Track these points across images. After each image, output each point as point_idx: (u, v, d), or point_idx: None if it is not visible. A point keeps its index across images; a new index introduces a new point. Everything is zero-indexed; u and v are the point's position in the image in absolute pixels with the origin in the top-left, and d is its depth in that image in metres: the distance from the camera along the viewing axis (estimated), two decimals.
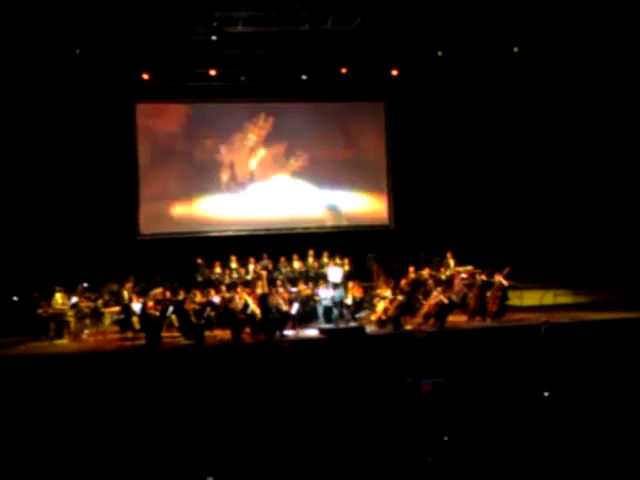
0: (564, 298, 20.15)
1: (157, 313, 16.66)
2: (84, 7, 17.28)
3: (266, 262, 19.59)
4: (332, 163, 23.25)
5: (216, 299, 17.27)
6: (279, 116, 22.95)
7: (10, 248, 19.70)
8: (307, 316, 18.23)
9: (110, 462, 9.46)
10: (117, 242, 21.03)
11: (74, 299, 17.41)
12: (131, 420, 11.19)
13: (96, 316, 18.09)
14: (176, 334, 17.04)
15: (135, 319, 16.78)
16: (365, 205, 23.47)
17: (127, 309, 17.13)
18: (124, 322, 17.29)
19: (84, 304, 17.65)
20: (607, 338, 15.18)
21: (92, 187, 21.04)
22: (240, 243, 21.36)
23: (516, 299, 19.32)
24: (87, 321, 17.86)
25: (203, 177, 22.59)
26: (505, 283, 17.80)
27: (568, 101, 22.12)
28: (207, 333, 16.80)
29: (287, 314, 17.26)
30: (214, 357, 15.37)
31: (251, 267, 19.45)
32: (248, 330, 17.01)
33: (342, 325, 17.74)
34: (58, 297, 17.29)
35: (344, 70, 21.04)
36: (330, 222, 23.26)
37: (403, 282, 18.11)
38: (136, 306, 16.81)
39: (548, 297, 20.02)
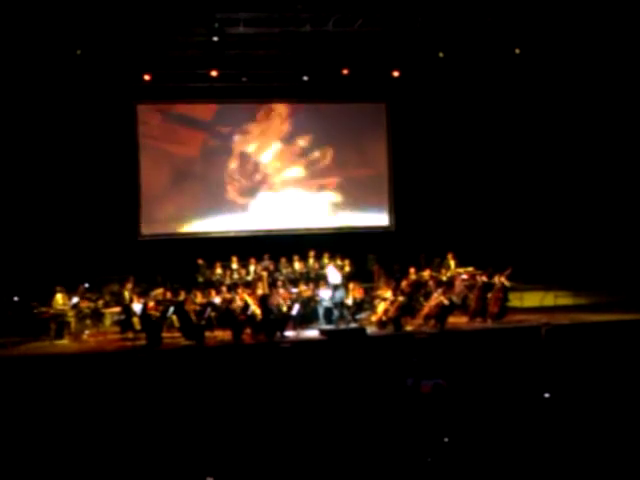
0: (564, 299, 20.13)
1: (158, 314, 16.67)
2: (85, 8, 17.29)
3: (267, 263, 19.59)
4: (333, 163, 23.26)
5: (217, 300, 17.28)
6: (281, 117, 22.97)
7: (11, 248, 19.71)
8: (308, 317, 18.24)
9: (111, 462, 9.46)
10: (118, 243, 21.02)
11: (75, 299, 17.42)
12: (131, 420, 11.19)
13: (97, 316, 18.09)
14: (177, 335, 17.03)
15: (136, 320, 16.78)
16: (366, 206, 23.46)
17: (128, 310, 17.13)
18: (125, 322, 17.29)
19: (85, 304, 17.66)
20: (607, 340, 15.17)
21: (93, 187, 21.05)
22: (241, 244, 21.36)
23: (517, 300, 19.33)
24: (88, 321, 17.87)
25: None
26: (507, 284, 17.80)
27: (569, 103, 22.12)
28: (208, 334, 16.81)
29: (288, 315, 17.27)
30: (215, 358, 15.38)
31: (252, 268, 19.47)
32: (249, 331, 17.02)
33: (343, 326, 17.74)
34: (59, 297, 17.29)
35: (345, 71, 21.02)
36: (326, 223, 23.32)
37: (404, 283, 18.11)
38: (137, 307, 16.82)
39: (549, 298, 20.00)
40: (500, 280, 17.82)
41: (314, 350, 15.80)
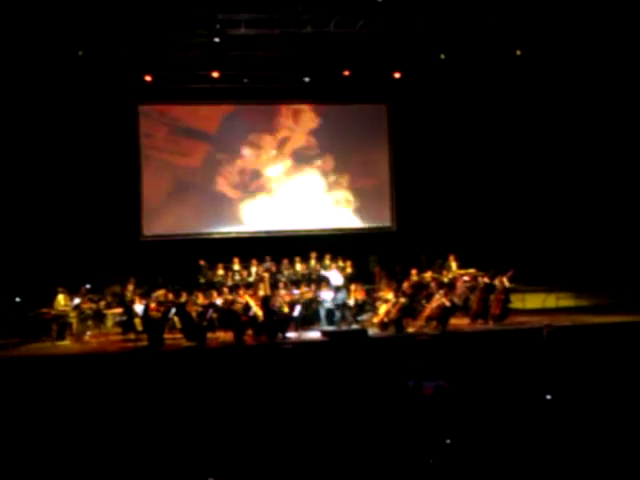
0: (566, 301, 20.16)
1: (159, 315, 16.65)
2: (87, 9, 17.31)
3: (269, 264, 19.59)
4: (334, 164, 23.27)
5: (218, 301, 17.26)
6: (283, 118, 23.01)
7: (13, 249, 19.73)
8: (309, 318, 18.24)
9: (112, 463, 9.46)
10: (120, 244, 21.05)
11: (76, 300, 17.43)
12: (133, 421, 11.20)
13: (98, 317, 18.09)
14: (178, 336, 17.03)
15: (137, 321, 16.77)
16: (367, 207, 23.47)
17: (129, 311, 17.12)
18: (126, 324, 17.28)
19: (86, 305, 17.65)
20: (609, 341, 15.16)
21: (95, 189, 21.07)
22: (243, 245, 21.38)
23: (518, 302, 19.34)
24: (89, 322, 17.85)
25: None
26: (508, 285, 17.80)
27: (570, 104, 22.14)
28: (209, 335, 16.80)
29: (289, 316, 17.27)
30: (216, 359, 15.37)
31: (253, 269, 19.46)
32: (250, 332, 17.01)
33: (344, 327, 17.75)
34: (60, 298, 17.30)
35: (347, 73, 21.03)
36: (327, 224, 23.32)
37: (405, 285, 18.11)
38: (138, 308, 16.82)
39: (550, 300, 20.03)
40: (502, 282, 17.81)
41: (316, 351, 15.79)
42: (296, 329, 17.49)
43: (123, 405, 12.08)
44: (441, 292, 17.59)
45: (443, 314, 17.31)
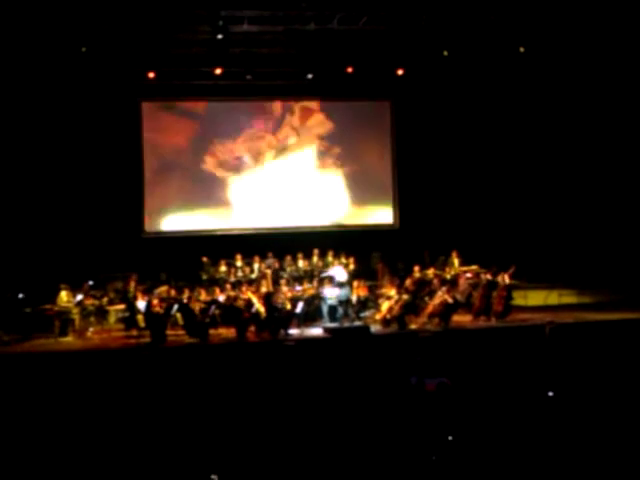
0: (569, 298, 20.16)
1: (162, 311, 16.66)
2: (90, 5, 17.31)
3: (271, 261, 19.61)
4: (337, 160, 23.27)
5: (221, 297, 17.30)
6: (284, 114, 23.01)
7: (16, 246, 19.73)
8: (312, 315, 18.25)
9: (114, 459, 9.48)
10: (122, 240, 21.04)
11: (79, 297, 17.45)
12: (135, 418, 11.21)
13: (101, 314, 18.12)
14: (181, 332, 17.04)
15: (140, 317, 16.79)
16: (370, 204, 23.46)
17: (132, 307, 17.15)
18: (129, 320, 17.31)
19: (89, 302, 17.68)
20: (612, 338, 15.17)
21: (97, 185, 21.07)
22: (245, 242, 21.36)
23: (521, 299, 19.32)
24: (92, 319, 17.89)
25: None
26: (511, 282, 17.79)
27: (573, 101, 22.10)
28: (212, 331, 16.82)
29: (292, 313, 17.28)
30: (219, 355, 15.38)
31: (256, 266, 19.47)
32: (253, 329, 17.02)
33: (347, 324, 17.75)
34: (63, 295, 17.32)
35: (350, 69, 21.02)
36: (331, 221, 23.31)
37: (408, 281, 18.11)
38: (141, 304, 16.85)
39: (553, 297, 20.03)
40: (504, 278, 17.81)
41: (318, 348, 15.80)
42: (298, 326, 17.51)
43: (126, 401, 12.10)
44: (443, 289, 17.59)
45: (445, 311, 17.31)
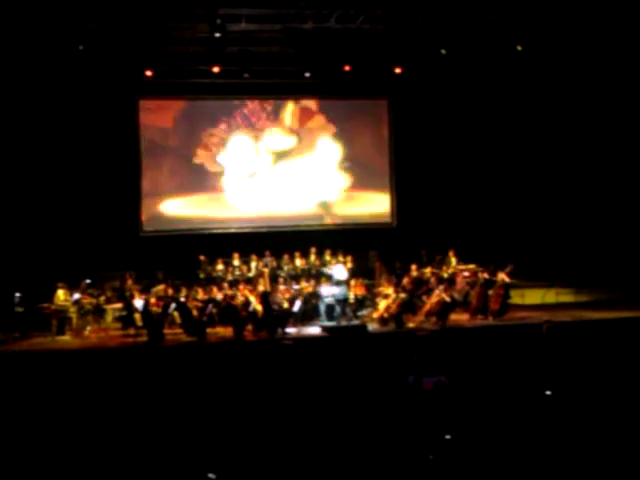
0: (566, 297, 20.17)
1: (159, 310, 16.68)
2: (87, 3, 17.30)
3: (268, 259, 19.62)
4: (334, 158, 23.25)
5: (218, 296, 17.30)
6: (283, 111, 22.99)
7: (13, 245, 19.72)
8: (309, 314, 18.26)
9: (112, 458, 9.46)
10: (120, 239, 21.04)
11: (76, 295, 17.45)
12: (133, 417, 11.20)
13: (98, 313, 18.12)
14: (178, 331, 17.06)
15: (137, 316, 16.80)
16: (368, 202, 23.47)
17: (129, 306, 17.15)
18: (126, 319, 17.32)
19: (86, 300, 17.68)
20: (609, 337, 15.17)
21: (95, 184, 21.07)
22: (242, 240, 21.37)
23: (518, 297, 19.34)
24: (89, 318, 17.90)
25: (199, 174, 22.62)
26: (508, 281, 17.81)
27: (570, 100, 22.13)
28: (209, 330, 16.84)
29: (289, 311, 17.29)
30: (216, 354, 15.38)
31: (253, 264, 19.50)
32: (250, 327, 17.03)
33: (344, 323, 17.76)
34: (60, 293, 17.32)
35: (348, 68, 21.00)
36: (327, 219, 23.25)
37: (405, 280, 18.13)
38: (138, 303, 16.84)
39: (550, 296, 20.04)
40: (501, 277, 17.83)
41: (315, 347, 15.79)
42: (296, 324, 17.50)
43: (123, 400, 12.08)
44: (441, 287, 17.61)
45: (443, 309, 17.32)
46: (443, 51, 20.25)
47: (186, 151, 22.48)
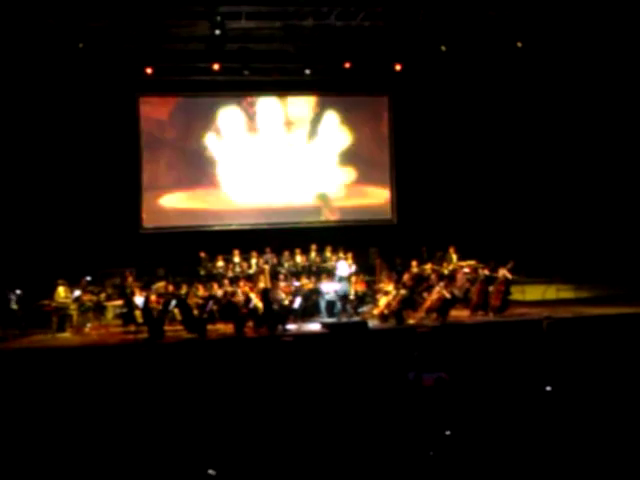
0: (566, 293, 20.18)
1: (160, 307, 16.68)
2: (87, 1, 17.30)
3: (269, 256, 19.62)
4: (335, 155, 23.26)
5: (219, 293, 17.30)
6: (282, 107, 23.00)
7: (14, 242, 19.72)
8: (309, 310, 18.26)
9: (112, 455, 9.47)
10: (120, 236, 21.05)
11: (77, 292, 17.45)
12: (133, 413, 11.21)
13: (99, 309, 18.11)
14: (179, 328, 17.07)
15: (138, 313, 16.79)
16: (368, 199, 23.47)
17: (130, 303, 17.15)
18: (127, 316, 17.31)
19: (87, 297, 17.67)
20: (609, 333, 15.17)
21: (95, 181, 21.07)
22: (243, 237, 21.38)
23: (518, 294, 19.36)
24: (90, 315, 17.88)
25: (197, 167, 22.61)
26: (509, 277, 17.81)
27: (570, 96, 22.11)
28: (209, 327, 16.84)
29: (290, 308, 17.29)
30: (216, 351, 15.39)
31: (254, 261, 19.49)
32: (250, 324, 17.04)
33: (344, 319, 17.76)
34: (61, 290, 17.32)
35: (348, 65, 20.99)
36: (325, 213, 23.25)
37: (406, 276, 18.14)
38: (139, 300, 16.84)
39: (550, 292, 20.05)
40: (502, 273, 17.82)
41: (316, 343, 15.80)
42: (296, 321, 17.51)
43: (123, 397, 12.09)
44: (441, 284, 17.62)
45: (443, 306, 17.33)
46: (443, 48, 20.24)
47: (183, 143, 22.47)
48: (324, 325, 17.21)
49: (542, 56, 21.10)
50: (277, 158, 22.85)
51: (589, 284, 20.57)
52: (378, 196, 23.54)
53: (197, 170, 22.54)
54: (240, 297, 17.01)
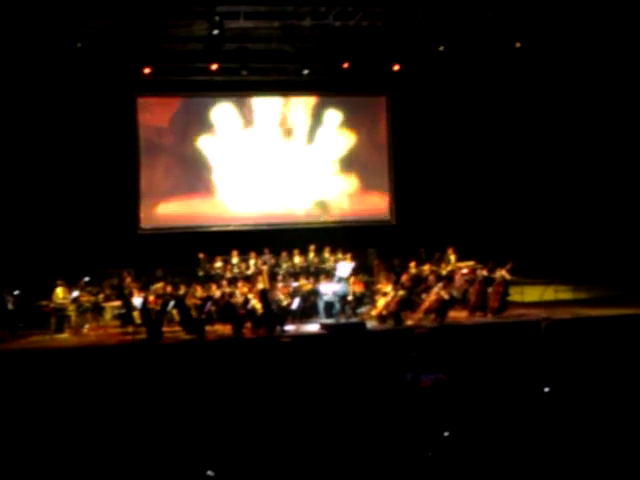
0: (565, 294, 20.16)
1: (158, 308, 16.67)
2: (85, 1, 17.29)
3: (267, 257, 19.61)
4: (333, 155, 23.25)
5: (217, 294, 17.29)
6: (280, 108, 22.98)
7: (12, 242, 19.70)
8: (308, 311, 18.24)
9: (111, 456, 9.47)
10: (118, 236, 21.05)
11: (75, 293, 17.43)
12: (132, 414, 11.20)
13: (97, 310, 18.08)
14: (177, 329, 17.05)
15: (136, 314, 16.77)
16: (366, 200, 23.47)
17: (128, 303, 17.13)
18: (125, 316, 17.29)
19: (85, 298, 17.65)
20: (607, 334, 15.18)
21: (93, 181, 21.07)
22: (241, 238, 21.37)
23: (517, 295, 19.34)
24: (88, 315, 17.85)
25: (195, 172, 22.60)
26: (508, 278, 17.80)
27: (569, 97, 22.12)
28: (208, 328, 16.81)
29: (288, 309, 17.28)
30: (215, 352, 15.39)
31: (252, 262, 19.48)
32: (249, 325, 17.01)
33: (343, 320, 17.74)
34: (59, 291, 17.30)
35: (346, 65, 20.99)
36: (324, 216, 23.24)
37: (404, 277, 18.12)
38: (137, 300, 16.83)
39: (549, 293, 20.03)
40: (501, 274, 17.81)
41: (314, 344, 15.80)
42: (294, 322, 17.50)
43: (122, 398, 12.08)
44: (440, 285, 17.60)
45: (441, 307, 17.32)
46: (441, 48, 20.25)
47: (180, 149, 22.48)
48: (322, 326, 17.18)
49: (541, 56, 21.12)
50: (275, 164, 22.87)
51: (587, 285, 20.57)
52: (376, 196, 23.53)
53: (194, 176, 22.53)
54: (238, 298, 17.00)
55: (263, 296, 16.94)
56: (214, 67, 20.19)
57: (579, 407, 10.61)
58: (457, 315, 18.03)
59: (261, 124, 22.84)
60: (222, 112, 22.58)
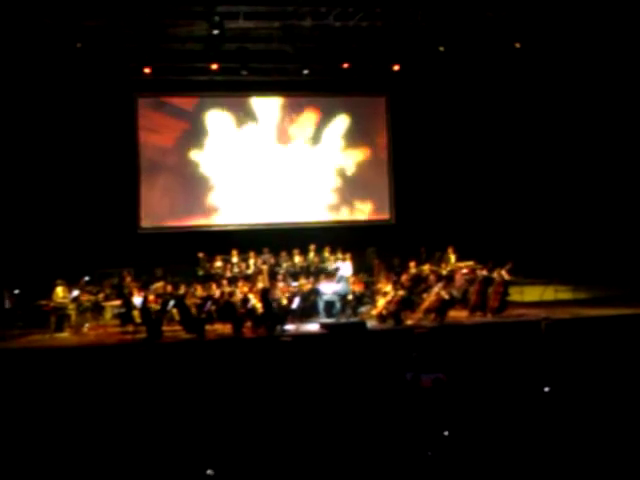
0: (565, 294, 20.16)
1: (158, 307, 16.67)
2: (84, 0, 17.30)
3: (267, 256, 19.61)
4: (333, 156, 23.26)
5: (217, 293, 17.29)
6: (280, 109, 22.99)
7: (12, 242, 19.70)
8: (308, 311, 18.24)
9: (111, 455, 9.47)
10: (118, 236, 21.03)
11: (75, 292, 17.44)
12: (132, 414, 11.21)
13: (97, 310, 18.10)
14: (177, 328, 17.05)
15: (136, 313, 16.79)
16: (366, 199, 23.46)
17: (128, 303, 17.14)
18: (125, 316, 17.29)
19: (85, 297, 17.66)
20: (607, 334, 15.18)
21: (93, 180, 21.05)
22: (241, 237, 21.36)
23: (517, 295, 19.34)
24: (88, 314, 17.86)
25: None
26: (507, 278, 17.80)
27: (569, 97, 22.12)
28: (208, 327, 16.80)
29: (288, 308, 17.28)
30: (215, 351, 15.38)
31: (252, 261, 19.48)
32: (249, 324, 17.02)
33: (343, 320, 17.75)
34: (59, 291, 17.32)
35: (346, 65, 21.00)
36: (325, 216, 23.28)
37: (404, 277, 18.12)
38: (137, 300, 16.84)
39: (549, 293, 20.04)
40: (500, 274, 17.82)
41: (314, 344, 15.80)
42: (294, 321, 17.50)
43: (122, 397, 12.09)
44: (440, 285, 17.60)
45: (441, 307, 17.32)
46: (441, 48, 20.25)
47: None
48: (323, 325, 17.19)
49: (540, 57, 21.11)
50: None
51: (587, 285, 20.56)
52: (376, 196, 23.55)
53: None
54: (238, 297, 17.01)
55: (263, 295, 16.94)
56: (214, 67, 20.20)
57: (579, 407, 10.62)
58: (457, 315, 18.03)
59: (258, 128, 22.84)
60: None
